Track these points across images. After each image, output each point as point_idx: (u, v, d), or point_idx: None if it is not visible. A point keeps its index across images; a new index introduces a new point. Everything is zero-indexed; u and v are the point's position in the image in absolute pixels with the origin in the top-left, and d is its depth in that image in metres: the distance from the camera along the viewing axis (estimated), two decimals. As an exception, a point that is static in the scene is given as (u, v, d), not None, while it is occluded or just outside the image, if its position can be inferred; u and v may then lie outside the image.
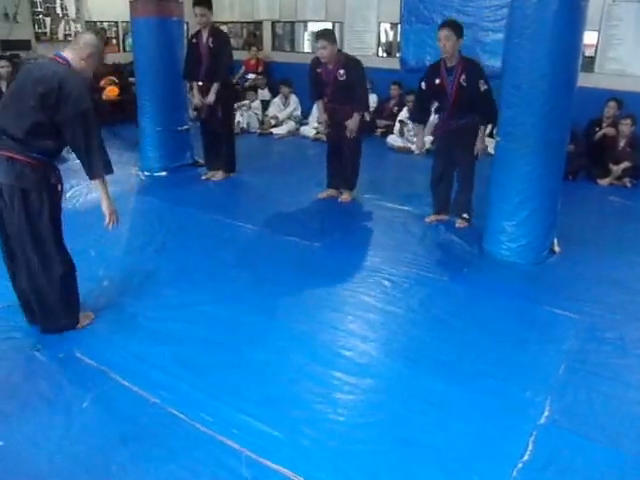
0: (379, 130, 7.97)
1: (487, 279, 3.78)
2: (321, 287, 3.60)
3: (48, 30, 8.79)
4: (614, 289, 3.62)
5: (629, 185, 6.06)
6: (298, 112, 8.61)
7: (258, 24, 9.86)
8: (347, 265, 3.95)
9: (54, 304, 2.88)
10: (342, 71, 4.82)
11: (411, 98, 7.53)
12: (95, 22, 9.40)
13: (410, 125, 7.45)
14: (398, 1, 4.76)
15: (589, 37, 6.22)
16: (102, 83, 8.36)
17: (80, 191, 5.01)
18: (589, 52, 6.70)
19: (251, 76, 9.28)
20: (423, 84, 4.48)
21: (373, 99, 7.74)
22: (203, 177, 5.91)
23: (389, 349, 2.95)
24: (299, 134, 8.24)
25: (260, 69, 9.44)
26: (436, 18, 4.50)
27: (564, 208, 4.15)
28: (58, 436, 2.28)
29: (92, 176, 2.78)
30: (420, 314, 3.31)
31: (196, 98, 5.62)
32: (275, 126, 8.34)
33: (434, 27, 4.45)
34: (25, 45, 8.43)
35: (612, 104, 6.22)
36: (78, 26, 9.14)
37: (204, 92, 5.54)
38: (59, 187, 2.79)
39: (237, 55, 8.42)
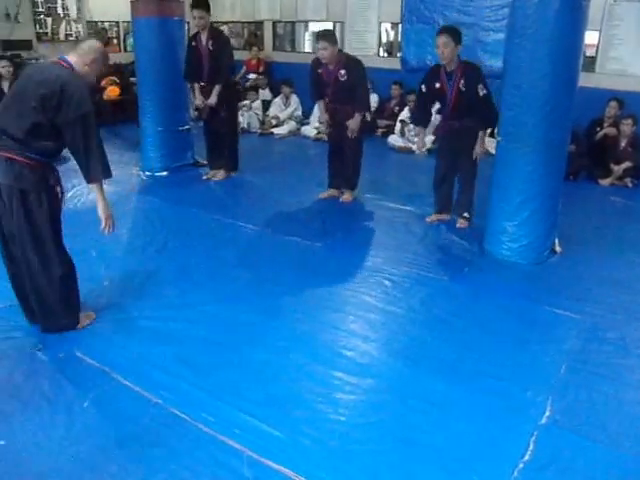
0: (380, 130, 7.97)
1: (488, 279, 3.78)
2: (322, 287, 3.60)
3: (49, 30, 8.80)
4: (615, 289, 3.62)
5: (630, 185, 6.06)
6: (299, 112, 8.61)
7: (259, 24, 9.86)
8: (348, 265, 3.95)
9: (54, 304, 2.89)
10: (343, 71, 4.82)
11: (412, 98, 7.53)
12: (96, 22, 9.41)
13: (411, 125, 7.46)
14: (399, 1, 4.77)
15: (590, 37, 6.21)
16: (103, 83, 8.36)
17: (81, 191, 5.01)
18: (590, 52, 6.69)
19: (252, 76, 9.29)
20: (423, 87, 4.49)
21: (374, 99, 7.74)
22: (204, 177, 5.92)
23: (390, 349, 2.95)
24: (300, 134, 8.25)
25: (261, 69, 9.45)
26: (437, 18, 4.49)
27: (565, 208, 4.15)
28: (59, 436, 2.28)
29: (89, 180, 2.77)
30: (421, 314, 3.31)
31: (198, 99, 5.62)
32: (276, 126, 8.35)
33: (435, 27, 4.44)
34: (26, 45, 8.44)
35: (613, 104, 6.22)
36: (79, 26, 9.15)
37: (206, 93, 5.54)
38: (58, 188, 2.79)
39: (238, 55, 8.42)
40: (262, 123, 8.46)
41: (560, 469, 2.17)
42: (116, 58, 9.13)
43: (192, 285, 3.58)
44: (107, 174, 2.82)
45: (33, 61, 8.25)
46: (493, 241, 4.09)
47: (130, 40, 9.21)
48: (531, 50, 3.61)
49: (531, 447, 2.26)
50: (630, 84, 6.53)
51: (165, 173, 6.02)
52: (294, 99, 8.51)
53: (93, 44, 2.84)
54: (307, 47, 9.55)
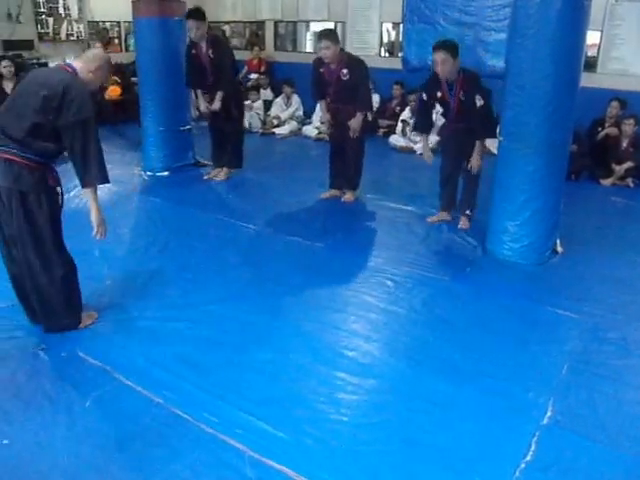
0: (381, 130, 7.97)
1: (490, 279, 3.78)
2: (324, 287, 3.60)
3: (51, 30, 8.82)
4: (617, 289, 3.62)
5: (632, 185, 6.06)
6: (300, 112, 8.61)
7: (260, 24, 9.87)
8: (350, 265, 3.95)
9: (56, 304, 2.89)
10: (345, 71, 4.82)
11: (413, 97, 7.55)
12: (97, 22, 9.43)
13: (412, 125, 7.46)
14: (400, 1, 4.75)
15: (592, 37, 6.22)
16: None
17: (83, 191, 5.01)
18: (592, 52, 6.69)
19: (253, 76, 9.30)
20: (424, 95, 4.49)
21: (375, 99, 7.74)
22: (205, 177, 5.92)
23: (392, 349, 2.96)
24: (301, 134, 8.25)
25: (262, 69, 9.46)
26: (438, 18, 4.48)
27: (567, 208, 4.14)
28: (61, 435, 2.28)
29: (84, 184, 2.76)
30: (423, 314, 3.31)
31: (202, 105, 5.62)
32: (277, 126, 8.35)
33: (436, 27, 4.44)
34: (28, 45, 8.45)
35: (615, 104, 6.21)
36: (81, 26, 9.16)
37: (211, 98, 5.55)
38: (58, 189, 2.79)
39: (239, 55, 8.43)
40: (263, 123, 8.46)
41: (562, 469, 2.17)
42: (117, 58, 9.13)
43: (194, 285, 3.58)
44: (104, 180, 2.79)
45: (34, 60, 8.28)
46: (495, 241, 4.09)
47: (131, 40, 9.21)
48: (533, 50, 3.60)
49: (533, 447, 2.26)
50: (632, 84, 6.53)
51: (166, 173, 6.02)
52: (295, 99, 8.52)
53: (98, 53, 2.91)
54: (308, 47, 9.55)
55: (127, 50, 9.61)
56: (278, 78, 9.20)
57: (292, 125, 8.37)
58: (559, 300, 3.46)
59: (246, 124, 8.18)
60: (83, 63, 2.79)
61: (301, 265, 3.92)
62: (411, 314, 3.30)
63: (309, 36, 9.56)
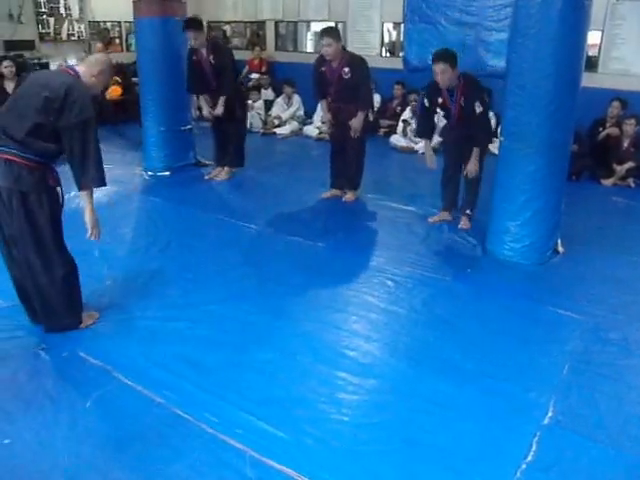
0: (382, 130, 7.97)
1: (490, 279, 3.78)
2: (325, 287, 3.60)
3: (52, 30, 8.82)
4: (618, 289, 3.62)
5: (633, 185, 6.05)
6: (301, 112, 8.61)
7: (261, 24, 9.87)
8: (351, 265, 3.95)
9: (56, 304, 2.89)
10: (347, 69, 4.81)
11: (414, 97, 7.56)
12: (98, 22, 9.43)
13: (413, 125, 7.45)
14: (401, 1, 4.74)
15: (592, 37, 6.22)
16: (105, 83, 8.37)
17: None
18: (593, 52, 6.69)
19: (254, 76, 9.29)
20: (426, 101, 4.50)
21: (376, 99, 7.73)
22: (206, 177, 5.92)
23: (393, 349, 2.95)
24: (302, 134, 8.25)
25: (263, 69, 9.46)
26: (439, 18, 4.48)
27: (568, 208, 4.14)
28: (62, 435, 2.28)
29: (81, 186, 2.76)
30: (424, 314, 3.31)
31: (205, 110, 5.64)
32: (278, 126, 8.35)
33: (437, 27, 4.44)
34: (29, 45, 8.46)
35: (616, 104, 6.20)
36: (82, 26, 9.17)
37: (213, 102, 5.56)
38: (58, 189, 2.79)
39: (240, 55, 8.44)
40: (264, 123, 8.46)
41: (563, 470, 2.17)
42: (118, 58, 9.14)
43: (195, 285, 3.58)
44: (101, 183, 2.79)
45: (35, 61, 8.29)
46: (496, 241, 4.09)
47: (132, 40, 9.22)
48: (534, 50, 3.60)
49: (534, 448, 2.26)
50: (633, 84, 6.52)
51: (167, 173, 6.02)
52: (296, 99, 8.52)
53: (101, 57, 2.93)
54: (309, 47, 9.56)
55: (128, 50, 9.62)
56: (279, 78, 9.20)
57: (293, 125, 8.37)
58: (560, 300, 3.46)
59: (247, 124, 8.19)
60: (86, 67, 2.81)
61: (302, 265, 3.92)
62: (412, 314, 3.30)
63: (310, 36, 9.56)
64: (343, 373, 2.71)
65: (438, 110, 4.58)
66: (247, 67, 9.38)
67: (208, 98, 5.60)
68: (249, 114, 8.29)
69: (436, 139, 6.26)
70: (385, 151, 7.33)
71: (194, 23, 5.31)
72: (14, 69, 6.30)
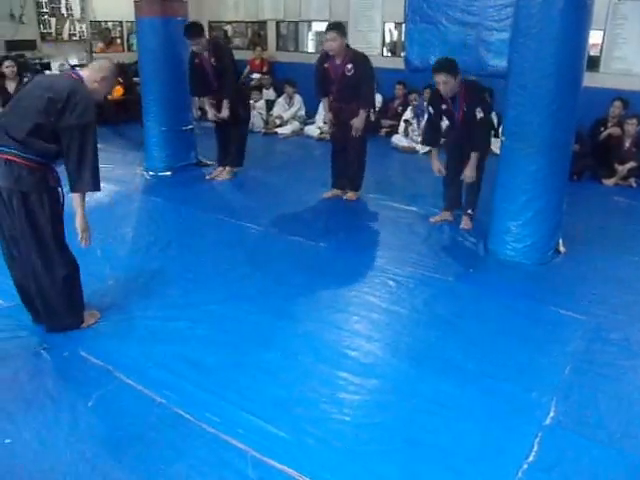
0: (384, 130, 7.97)
1: (492, 279, 3.77)
2: (326, 287, 3.60)
3: (53, 30, 8.84)
4: (619, 290, 3.61)
5: (634, 185, 6.04)
6: (302, 112, 8.61)
7: (262, 24, 9.87)
8: (352, 265, 3.95)
9: (58, 304, 2.89)
10: (350, 65, 4.81)
11: (414, 97, 7.56)
12: (100, 22, 9.44)
13: (414, 125, 7.46)
14: (402, 1, 4.74)
15: (594, 36, 6.21)
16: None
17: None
18: (594, 51, 6.68)
19: (256, 76, 9.29)
20: (431, 109, 4.52)
21: (378, 99, 7.72)
22: (207, 177, 5.92)
23: (394, 349, 2.95)
24: (303, 134, 8.25)
25: (265, 69, 9.46)
26: (440, 18, 4.47)
27: (569, 208, 4.14)
28: (64, 435, 2.28)
29: (75, 189, 2.74)
30: (425, 314, 3.30)
31: (210, 113, 5.65)
32: (279, 126, 8.35)
33: (438, 27, 4.44)
34: (30, 45, 8.48)
35: (617, 104, 6.19)
36: (83, 26, 9.19)
37: (216, 106, 5.58)
38: (59, 189, 2.80)
39: (242, 55, 8.44)
40: (266, 123, 8.46)
41: (564, 470, 2.16)
42: (119, 58, 9.15)
43: (196, 285, 3.58)
44: (95, 187, 2.77)
45: (37, 61, 8.30)
46: (497, 241, 4.09)
47: (133, 40, 9.23)
48: (535, 49, 3.60)
49: (535, 448, 2.26)
50: (635, 84, 6.51)
51: (169, 173, 6.03)
52: (297, 99, 8.51)
53: (105, 64, 2.93)
54: (310, 47, 9.57)
55: (129, 50, 9.63)
56: (280, 78, 9.20)
57: (294, 125, 8.37)
58: (562, 300, 3.45)
59: (250, 124, 8.20)
60: (90, 72, 2.83)
61: (303, 265, 3.92)
62: (413, 314, 3.30)
63: (311, 36, 9.57)
64: (344, 373, 2.71)
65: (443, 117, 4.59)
66: (248, 67, 9.37)
67: (213, 102, 5.59)
68: (251, 114, 8.31)
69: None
70: (386, 151, 7.33)
71: (194, 30, 5.30)
72: (15, 69, 6.32)
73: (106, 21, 9.54)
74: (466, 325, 3.18)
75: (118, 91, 8.43)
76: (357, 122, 4.92)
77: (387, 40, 8.61)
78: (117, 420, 2.38)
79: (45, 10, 8.67)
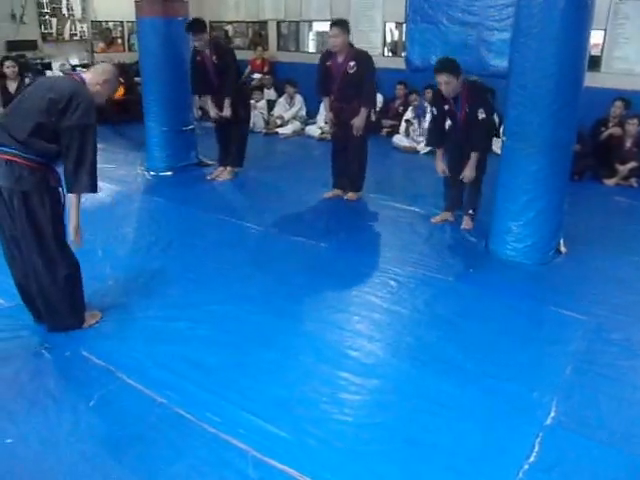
0: (385, 130, 7.96)
1: (493, 279, 3.77)
2: (327, 287, 3.61)
3: (54, 30, 8.84)
4: (621, 290, 3.61)
5: (635, 185, 6.03)
6: (303, 112, 8.61)
7: (263, 24, 9.87)
8: (353, 265, 3.95)
9: (59, 304, 2.90)
10: (352, 63, 4.81)
11: (414, 97, 7.56)
12: (101, 22, 9.45)
13: (415, 125, 7.46)
14: (403, 0, 4.74)
15: (595, 36, 6.20)
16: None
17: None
18: (595, 51, 6.67)
19: (257, 76, 9.29)
20: (434, 110, 4.52)
21: (379, 99, 7.73)
22: (208, 177, 5.93)
23: (395, 349, 2.95)
24: (304, 134, 8.25)
25: (266, 69, 9.46)
26: (441, 17, 4.47)
27: (570, 208, 4.14)
28: (65, 435, 2.28)
29: (71, 189, 2.74)
30: (426, 314, 3.30)
31: (212, 112, 5.65)
32: (280, 126, 8.35)
33: (439, 26, 4.44)
34: (31, 45, 8.48)
35: (618, 104, 6.19)
36: (84, 26, 9.19)
37: (217, 105, 5.58)
38: (59, 190, 2.80)
39: (243, 55, 8.44)
40: (267, 123, 8.46)
41: (565, 470, 2.16)
42: (120, 58, 9.17)
43: (197, 285, 3.58)
44: (93, 189, 2.77)
45: (38, 61, 8.30)
46: (498, 241, 4.09)
47: (134, 40, 9.23)
48: (536, 49, 3.60)
49: (536, 448, 2.26)
50: (636, 83, 6.50)
51: (170, 173, 6.03)
52: (298, 99, 8.51)
53: (108, 67, 2.95)
54: (311, 47, 9.56)
55: (130, 50, 9.63)
56: (281, 78, 9.19)
57: (295, 125, 8.37)
58: (563, 300, 3.45)
59: (250, 124, 8.20)
60: (92, 75, 2.84)
61: (304, 265, 3.92)
62: (414, 314, 3.30)
63: (312, 36, 9.56)
64: (345, 373, 2.71)
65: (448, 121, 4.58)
66: (249, 67, 9.37)
67: (213, 101, 5.60)
68: (252, 114, 8.31)
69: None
70: (387, 151, 7.33)
71: (197, 25, 5.32)
72: (17, 69, 6.31)
73: (107, 21, 9.54)
74: (467, 325, 3.18)
75: (119, 91, 8.42)
76: (358, 121, 4.92)
77: (388, 40, 8.61)
78: (118, 420, 2.38)
79: (46, 10, 8.67)
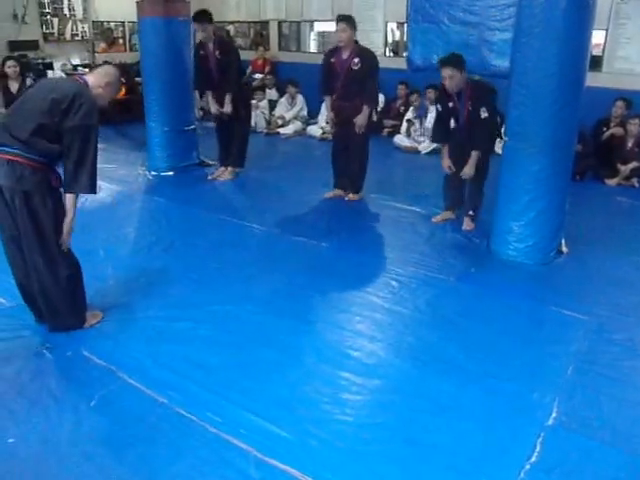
0: (386, 130, 7.96)
1: (494, 279, 3.77)
2: (329, 287, 3.61)
3: (56, 30, 8.85)
4: (622, 290, 3.60)
5: (637, 185, 6.02)
6: (304, 112, 8.62)
7: (264, 24, 9.87)
8: (355, 265, 3.95)
9: (60, 304, 2.90)
10: (357, 59, 4.82)
11: (415, 98, 7.55)
12: (102, 22, 9.45)
13: (417, 125, 7.45)
14: (404, 0, 4.74)
15: (596, 36, 6.18)
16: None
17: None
18: (597, 51, 6.65)
19: (258, 76, 9.29)
20: (439, 106, 4.53)
21: (380, 99, 7.72)
22: (209, 177, 5.93)
23: (397, 349, 2.95)
24: (306, 134, 8.25)
25: (267, 69, 9.46)
26: (442, 17, 4.47)
27: (572, 208, 4.13)
28: (66, 434, 2.29)
29: (70, 189, 2.74)
30: (427, 314, 3.30)
31: (212, 107, 5.65)
32: (282, 126, 8.35)
33: (441, 26, 4.44)
34: (33, 45, 8.49)
35: (620, 104, 6.18)
36: (85, 26, 9.20)
37: (218, 101, 5.57)
38: (61, 190, 2.80)
39: (244, 55, 8.42)
40: (268, 123, 8.46)
41: (567, 471, 2.16)
42: (121, 58, 9.18)
43: (198, 285, 3.58)
44: (92, 190, 2.77)
45: (39, 61, 8.31)
46: (499, 241, 4.08)
47: (136, 40, 9.23)
48: (538, 49, 3.59)
49: (538, 448, 2.26)
50: (637, 83, 6.49)
51: (171, 173, 6.03)
52: (300, 99, 8.52)
53: (110, 70, 2.95)
54: (312, 47, 9.56)
55: (131, 50, 9.64)
56: (282, 78, 9.19)
57: (296, 125, 8.37)
58: (564, 300, 3.45)
59: (252, 123, 8.20)
60: (94, 77, 2.85)
61: (306, 265, 3.92)
62: (416, 314, 3.30)
63: (313, 36, 9.56)
64: (347, 373, 2.71)
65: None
66: (250, 67, 9.37)
67: (214, 97, 5.59)
68: (254, 114, 8.31)
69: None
70: (389, 151, 7.32)
71: (204, 16, 5.33)
72: (18, 69, 6.31)
73: (108, 21, 9.54)
74: (468, 325, 3.18)
75: (120, 91, 8.43)
76: (360, 119, 4.91)
77: (389, 40, 8.60)
78: (119, 420, 2.39)
79: (48, 10, 8.68)
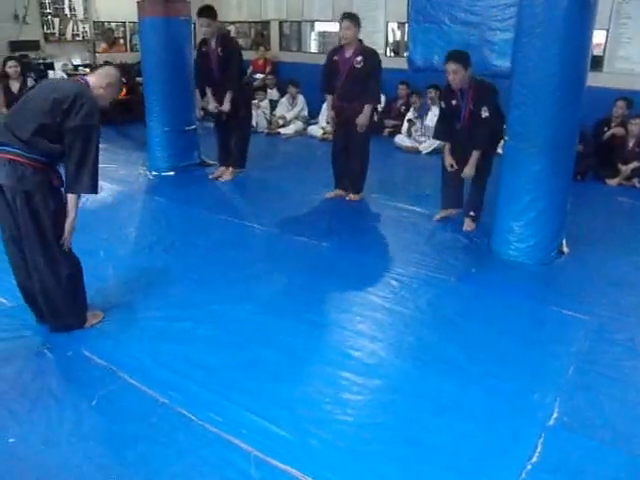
0: (387, 130, 7.96)
1: (495, 279, 3.76)
2: (330, 287, 3.61)
3: (57, 31, 8.85)
4: (623, 290, 3.60)
5: (638, 185, 6.02)
6: (305, 112, 8.62)
7: (265, 24, 9.87)
8: (355, 265, 3.95)
9: (61, 304, 2.90)
10: (360, 58, 4.82)
11: (416, 98, 7.55)
12: (103, 22, 9.45)
13: (418, 125, 7.45)
14: (405, 1, 4.74)
15: (597, 36, 6.17)
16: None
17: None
18: (598, 51, 6.65)
19: (259, 76, 9.29)
20: (442, 103, 4.53)
21: (381, 99, 7.72)
22: (210, 177, 5.92)
23: (398, 349, 2.95)
24: (307, 134, 8.25)
25: (268, 69, 9.46)
26: (443, 17, 4.47)
27: (572, 208, 4.12)
28: (67, 434, 2.29)
29: (71, 189, 2.74)
30: (428, 314, 3.30)
31: (211, 105, 5.64)
32: (283, 126, 8.35)
33: (442, 26, 4.44)
34: (34, 46, 8.49)
35: (621, 104, 6.17)
36: (86, 26, 9.20)
37: (218, 99, 5.57)
38: (62, 190, 2.80)
39: (245, 55, 8.42)
40: (269, 123, 8.46)
41: (568, 471, 2.16)
42: (122, 58, 9.18)
43: (199, 285, 3.58)
44: (93, 190, 2.77)
45: (40, 61, 8.31)
46: (500, 241, 4.08)
47: (136, 40, 9.24)
48: (539, 49, 3.59)
49: (539, 449, 2.25)
50: (638, 83, 6.49)
51: (172, 173, 6.03)
52: (300, 99, 8.51)
53: (111, 71, 2.96)
54: (313, 47, 9.56)
55: (132, 50, 9.64)
56: (283, 78, 9.20)
57: (297, 125, 8.37)
58: (565, 300, 3.44)
59: (253, 123, 8.20)
60: (96, 78, 2.86)
61: (306, 265, 3.92)
62: (417, 314, 3.30)
63: (314, 36, 9.56)
64: (347, 373, 2.70)
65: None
66: (251, 67, 9.37)
67: (213, 94, 5.59)
68: (255, 114, 8.31)
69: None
70: (390, 151, 7.32)
71: (209, 11, 5.32)
72: (19, 69, 6.33)
73: (109, 21, 9.54)
74: (469, 325, 3.18)
75: (121, 92, 8.43)
76: (362, 118, 4.91)
77: (390, 40, 8.60)
78: (120, 420, 2.38)
79: (48, 11, 8.68)
